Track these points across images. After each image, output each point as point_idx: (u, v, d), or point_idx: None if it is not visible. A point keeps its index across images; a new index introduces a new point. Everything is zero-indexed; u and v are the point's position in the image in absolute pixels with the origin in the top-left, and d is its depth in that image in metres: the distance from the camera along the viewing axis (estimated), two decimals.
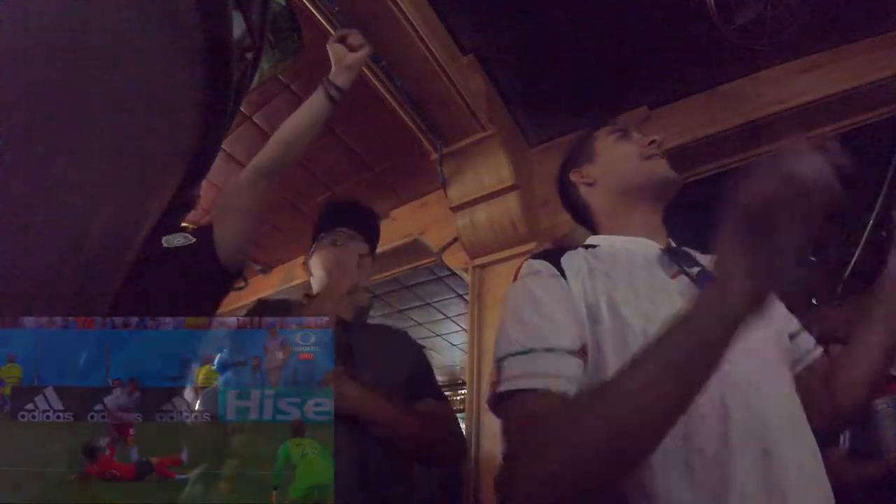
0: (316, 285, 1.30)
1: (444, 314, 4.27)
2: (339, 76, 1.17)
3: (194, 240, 1.09)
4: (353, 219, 1.34)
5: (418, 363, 1.23)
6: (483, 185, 1.97)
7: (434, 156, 2.00)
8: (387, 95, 1.76)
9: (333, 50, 1.19)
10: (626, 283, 0.72)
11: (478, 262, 2.07)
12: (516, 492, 0.54)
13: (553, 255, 0.76)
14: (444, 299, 4.00)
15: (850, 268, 2.27)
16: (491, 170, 1.94)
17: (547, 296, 0.69)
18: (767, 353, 0.71)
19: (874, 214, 2.14)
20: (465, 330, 4.22)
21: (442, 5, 1.68)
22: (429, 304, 4.07)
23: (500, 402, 0.64)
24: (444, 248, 2.34)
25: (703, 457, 0.58)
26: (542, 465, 0.53)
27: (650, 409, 0.48)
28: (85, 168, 0.23)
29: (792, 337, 0.83)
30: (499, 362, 0.66)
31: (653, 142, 0.90)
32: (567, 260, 0.75)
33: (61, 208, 0.22)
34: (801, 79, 1.72)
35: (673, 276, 0.75)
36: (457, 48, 1.85)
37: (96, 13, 0.23)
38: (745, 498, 0.57)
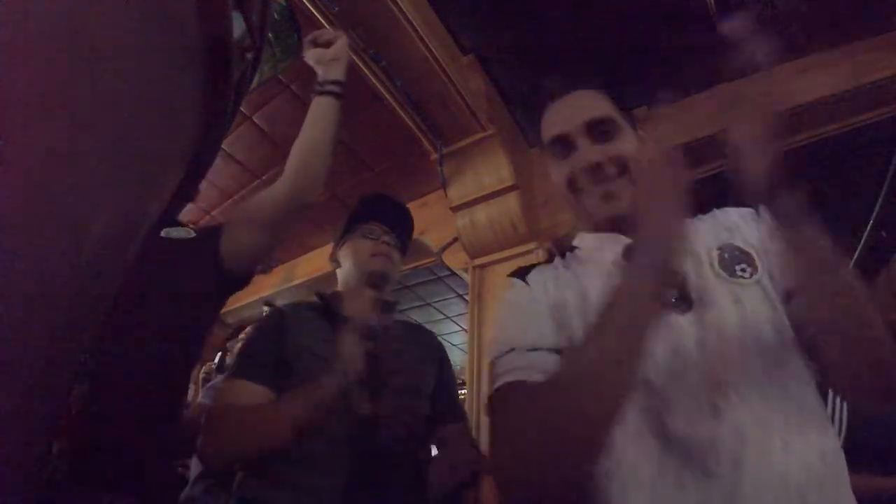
0: (343, 277, 1.28)
1: (444, 314, 4.26)
2: (329, 72, 1.11)
3: (194, 234, 1.07)
4: (387, 214, 1.32)
5: (443, 371, 1.22)
6: (483, 185, 1.97)
7: (434, 156, 2.00)
8: (387, 95, 1.76)
9: (310, 56, 1.13)
10: (592, 288, 0.71)
11: (478, 262, 2.07)
12: (502, 472, 0.58)
13: (523, 272, 0.80)
14: (444, 299, 4.00)
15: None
16: (491, 170, 1.95)
17: (524, 303, 0.74)
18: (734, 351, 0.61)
19: (874, 214, 2.14)
20: (465, 330, 4.21)
21: (442, 5, 1.68)
22: (429, 304, 4.07)
23: (491, 400, 0.66)
24: (444, 248, 2.34)
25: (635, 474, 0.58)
26: (517, 443, 0.56)
27: (607, 367, 0.53)
28: (85, 168, 0.23)
29: (790, 296, 0.66)
30: (492, 365, 0.68)
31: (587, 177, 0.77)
32: (532, 275, 0.79)
33: (61, 208, 0.22)
34: (801, 79, 1.72)
35: None
36: (457, 48, 1.85)
37: (96, 13, 0.23)
38: None
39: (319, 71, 1.12)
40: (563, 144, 0.79)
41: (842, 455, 0.58)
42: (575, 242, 0.86)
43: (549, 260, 0.85)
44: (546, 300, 0.73)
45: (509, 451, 0.57)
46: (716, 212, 0.81)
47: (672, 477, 0.55)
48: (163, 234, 1.03)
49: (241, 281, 1.05)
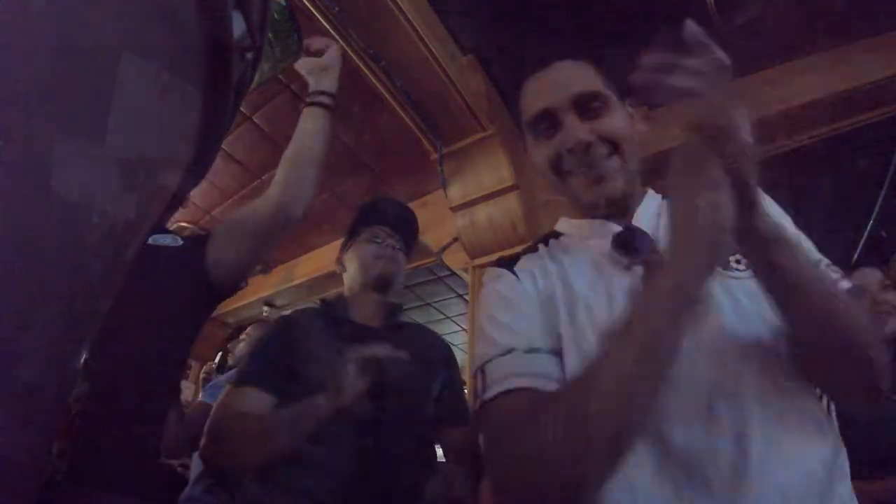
0: (348, 281, 1.28)
1: (444, 314, 4.26)
2: (320, 82, 1.07)
3: (181, 242, 1.03)
4: (392, 217, 1.32)
5: (449, 373, 1.21)
6: (483, 185, 1.97)
7: (434, 156, 2.00)
8: (387, 95, 1.76)
9: (302, 65, 1.09)
10: (579, 282, 0.65)
11: (478, 262, 2.07)
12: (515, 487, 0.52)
13: (508, 262, 0.73)
14: (444, 299, 4.00)
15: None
16: (491, 170, 1.95)
17: (516, 298, 0.67)
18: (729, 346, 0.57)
19: (874, 214, 2.14)
20: (465, 330, 4.22)
21: (442, 5, 1.68)
22: (429, 304, 4.07)
23: (486, 409, 0.58)
24: (444, 248, 2.34)
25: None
26: (534, 463, 0.50)
27: (634, 385, 0.46)
28: (85, 168, 0.23)
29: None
30: (482, 368, 0.61)
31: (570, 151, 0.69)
32: (520, 266, 0.71)
33: (62, 208, 0.22)
34: (801, 79, 1.72)
35: (627, 267, 0.64)
36: (457, 48, 1.85)
37: (96, 13, 0.23)
38: None
39: (311, 81, 1.08)
40: (547, 121, 0.72)
41: (842, 456, 0.55)
42: (559, 228, 0.80)
43: (533, 247, 0.77)
44: (536, 295, 0.66)
45: (511, 465, 0.53)
46: None
47: (670, 490, 0.51)
48: (150, 241, 1.01)
49: (227, 291, 1.04)
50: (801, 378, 0.57)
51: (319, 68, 1.08)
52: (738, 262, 0.62)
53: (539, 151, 0.74)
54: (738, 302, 0.59)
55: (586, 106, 0.70)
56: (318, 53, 1.10)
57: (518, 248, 2.10)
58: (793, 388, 0.56)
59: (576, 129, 0.68)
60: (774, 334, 0.58)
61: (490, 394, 0.58)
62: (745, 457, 0.50)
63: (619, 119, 0.71)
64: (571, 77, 0.72)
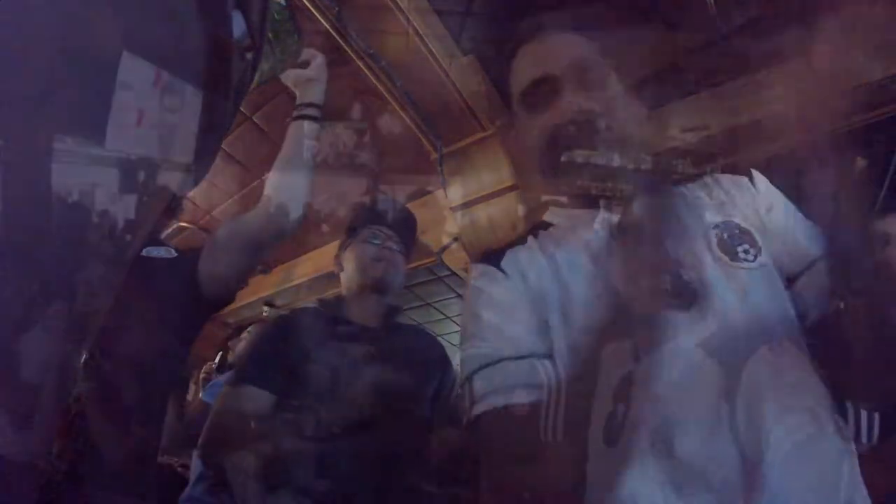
0: (346, 281, 1.27)
1: (444, 314, 4.26)
2: (306, 93, 1.06)
3: (176, 254, 1.00)
4: (392, 218, 1.31)
5: (445, 375, 1.21)
6: (483, 185, 1.97)
7: (434, 156, 2.00)
8: (387, 95, 1.76)
9: (287, 77, 1.08)
10: (575, 282, 0.61)
11: None
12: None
13: (495, 258, 0.67)
14: (444, 299, 3.99)
15: None
16: (491, 170, 1.95)
17: (504, 298, 0.63)
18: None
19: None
20: None
21: (442, 5, 1.68)
22: (429, 304, 4.06)
23: (476, 424, 0.57)
24: (444, 248, 2.34)
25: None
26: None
27: None
28: (85, 168, 0.23)
29: (792, 280, 0.59)
30: (469, 380, 0.59)
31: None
32: (507, 261, 0.65)
33: (62, 209, 0.22)
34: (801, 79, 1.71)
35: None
36: (457, 48, 1.85)
37: (96, 14, 0.23)
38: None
39: (297, 93, 1.07)
40: (544, 91, 0.64)
41: (849, 454, 0.52)
42: (548, 218, 0.73)
43: (522, 239, 0.71)
44: (526, 293, 0.62)
45: (504, 481, 0.54)
46: (706, 180, 0.69)
47: (673, 495, 0.49)
48: (144, 252, 1.00)
49: (222, 302, 1.03)
50: (810, 370, 0.54)
51: (305, 80, 1.07)
52: (745, 252, 0.58)
53: (531, 125, 0.66)
54: (748, 296, 0.55)
55: (588, 75, 0.63)
56: (304, 65, 1.08)
57: None
58: (801, 384, 0.53)
59: (579, 98, 0.61)
60: (784, 328, 0.55)
61: (478, 410, 0.57)
62: (750, 461, 0.48)
63: (619, 95, 0.65)
64: (569, 43, 0.67)
